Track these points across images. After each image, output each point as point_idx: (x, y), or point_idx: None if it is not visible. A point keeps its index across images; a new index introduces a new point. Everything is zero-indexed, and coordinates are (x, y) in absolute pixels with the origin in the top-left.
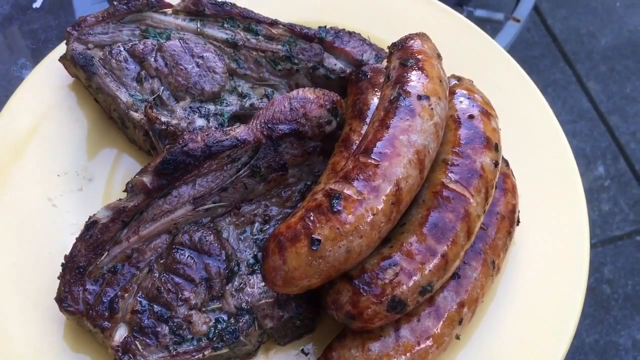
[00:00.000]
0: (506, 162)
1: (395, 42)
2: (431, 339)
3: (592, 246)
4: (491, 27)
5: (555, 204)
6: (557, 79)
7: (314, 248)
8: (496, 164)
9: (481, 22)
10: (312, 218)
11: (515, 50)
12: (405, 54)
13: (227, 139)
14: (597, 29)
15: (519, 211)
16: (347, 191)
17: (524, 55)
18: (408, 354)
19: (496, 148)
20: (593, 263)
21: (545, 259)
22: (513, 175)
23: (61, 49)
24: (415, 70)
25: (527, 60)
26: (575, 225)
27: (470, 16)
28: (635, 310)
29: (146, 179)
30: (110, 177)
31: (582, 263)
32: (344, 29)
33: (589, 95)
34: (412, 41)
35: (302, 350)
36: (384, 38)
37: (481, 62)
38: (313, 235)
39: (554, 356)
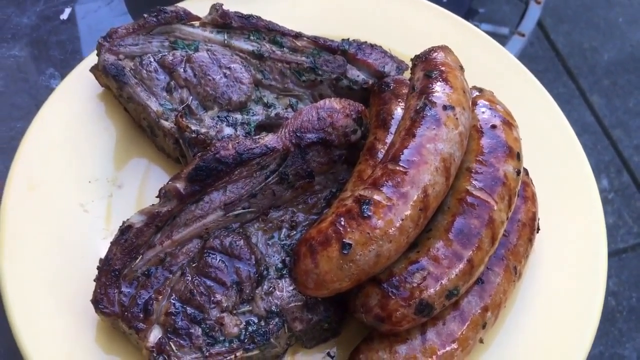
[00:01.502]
0: (526, 171)
1: (418, 55)
2: (456, 342)
3: None
4: (497, 41)
5: (572, 212)
6: (560, 93)
7: (345, 252)
8: (518, 173)
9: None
10: (342, 223)
11: None
12: (429, 65)
13: (257, 146)
14: (599, 44)
15: (538, 219)
16: (377, 197)
17: (529, 70)
18: (434, 357)
19: (518, 157)
20: None
21: (564, 266)
22: (532, 183)
23: (90, 59)
24: (440, 81)
25: None
26: (592, 233)
27: None
28: None
29: (179, 185)
30: (140, 183)
31: (600, 269)
32: (366, 42)
33: (592, 109)
34: (436, 53)
35: (328, 354)
36: (403, 51)
37: (498, 74)
38: (344, 240)
39: None
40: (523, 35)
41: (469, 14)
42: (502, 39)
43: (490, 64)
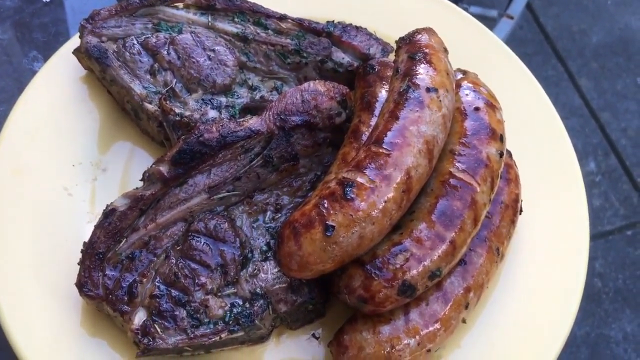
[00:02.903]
0: (509, 153)
1: (403, 37)
2: (439, 322)
3: None
4: (485, 24)
5: (555, 194)
6: (549, 76)
7: (328, 234)
8: (501, 154)
9: (475, 19)
10: (326, 205)
11: (509, 47)
12: (413, 47)
13: (241, 129)
14: (588, 27)
15: (521, 200)
16: (360, 179)
17: (517, 52)
18: (417, 337)
19: (501, 139)
20: None
21: (547, 247)
22: (516, 165)
23: (73, 42)
24: (424, 63)
25: (520, 57)
26: (575, 214)
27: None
28: (626, 304)
29: (163, 168)
30: (124, 167)
31: (582, 250)
32: (351, 24)
33: (580, 92)
34: (420, 35)
35: (313, 335)
36: (389, 33)
37: (483, 57)
38: (327, 222)
39: (554, 340)
40: (512, 17)
41: None
42: (490, 22)
43: (476, 47)
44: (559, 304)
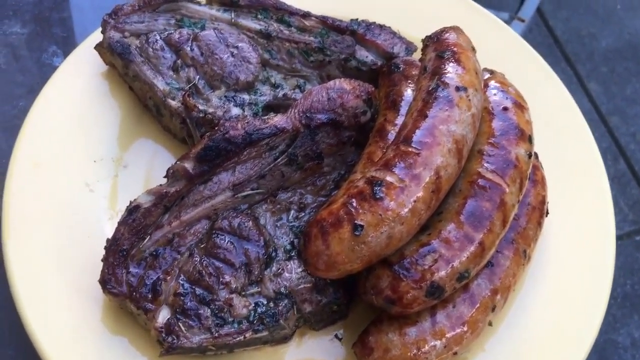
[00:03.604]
0: (536, 155)
1: (430, 35)
2: (466, 324)
3: None
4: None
5: (581, 196)
6: None
7: (357, 233)
8: (530, 155)
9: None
10: (354, 204)
11: None
12: (441, 46)
13: (266, 127)
14: (598, 31)
15: (547, 202)
16: (389, 178)
17: None
18: (444, 339)
19: (530, 140)
20: None
21: (573, 249)
22: (542, 167)
23: (94, 37)
24: (452, 62)
25: None
26: (600, 217)
27: None
28: (634, 309)
29: (188, 165)
30: (145, 164)
31: (608, 252)
32: (375, 22)
33: (589, 96)
34: (447, 34)
35: (336, 336)
36: (412, 32)
37: (507, 57)
38: (356, 221)
39: (581, 346)
40: (523, 20)
41: None
42: None
43: (499, 47)
44: (586, 307)
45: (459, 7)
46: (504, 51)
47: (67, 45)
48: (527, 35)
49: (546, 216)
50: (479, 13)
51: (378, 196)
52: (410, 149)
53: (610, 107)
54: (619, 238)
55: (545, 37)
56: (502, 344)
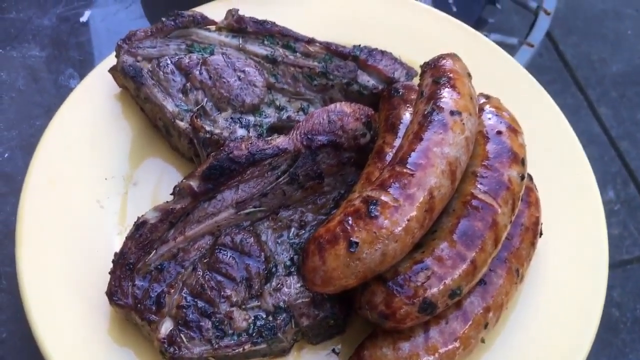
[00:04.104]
0: (530, 177)
1: (427, 62)
2: (458, 340)
3: None
4: (505, 51)
5: (575, 218)
6: (568, 104)
7: (352, 250)
8: (522, 177)
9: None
10: (350, 222)
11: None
12: (438, 72)
13: (269, 147)
14: (608, 56)
15: (541, 223)
16: (384, 198)
17: (536, 80)
18: (436, 354)
19: (523, 162)
20: None
21: (566, 271)
22: (536, 189)
23: (108, 61)
24: (448, 87)
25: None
26: (594, 238)
27: None
28: None
29: (193, 183)
30: (154, 181)
31: (601, 274)
32: (377, 48)
33: (599, 121)
34: (444, 60)
35: (333, 350)
36: (413, 58)
37: (506, 83)
38: (351, 238)
39: None
40: (532, 45)
41: (478, 24)
42: (511, 49)
43: (497, 72)
44: (577, 328)
45: (460, 34)
46: (503, 77)
47: (84, 68)
48: (537, 60)
49: (540, 237)
50: (480, 40)
51: (373, 215)
52: (405, 170)
53: (620, 131)
54: (628, 262)
55: (555, 62)
56: None
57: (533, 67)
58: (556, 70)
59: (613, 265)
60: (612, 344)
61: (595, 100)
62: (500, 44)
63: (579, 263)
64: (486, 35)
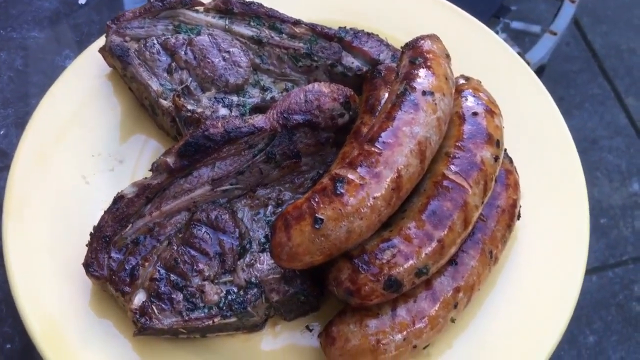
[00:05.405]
0: (510, 160)
1: (407, 43)
2: (426, 319)
3: (623, 263)
4: (528, 40)
5: (558, 202)
6: (595, 94)
7: (317, 227)
8: (496, 159)
9: (518, 34)
10: (316, 199)
11: (554, 63)
12: (415, 53)
13: (245, 126)
14: (637, 46)
15: (520, 206)
16: (351, 176)
17: (563, 69)
18: (404, 332)
19: (497, 144)
20: (623, 280)
21: (545, 255)
22: (517, 172)
23: (101, 41)
24: (423, 68)
25: (566, 74)
26: (576, 224)
27: (507, 28)
28: None
29: (169, 160)
30: (139, 159)
31: (579, 259)
32: (363, 30)
33: (627, 112)
34: (423, 41)
35: (307, 327)
36: (403, 40)
37: (494, 66)
38: (316, 215)
39: (543, 346)
40: (555, 33)
41: (500, 11)
42: (534, 37)
43: (486, 55)
44: (552, 310)
45: (449, 16)
46: (492, 61)
47: (80, 49)
48: (564, 49)
49: (518, 219)
50: (471, 23)
51: (339, 192)
52: (373, 149)
53: None
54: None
55: (583, 51)
56: (468, 342)
57: (559, 56)
58: (584, 60)
59: (635, 259)
60: (631, 339)
61: (623, 91)
62: (523, 32)
63: (558, 248)
64: (508, 24)
